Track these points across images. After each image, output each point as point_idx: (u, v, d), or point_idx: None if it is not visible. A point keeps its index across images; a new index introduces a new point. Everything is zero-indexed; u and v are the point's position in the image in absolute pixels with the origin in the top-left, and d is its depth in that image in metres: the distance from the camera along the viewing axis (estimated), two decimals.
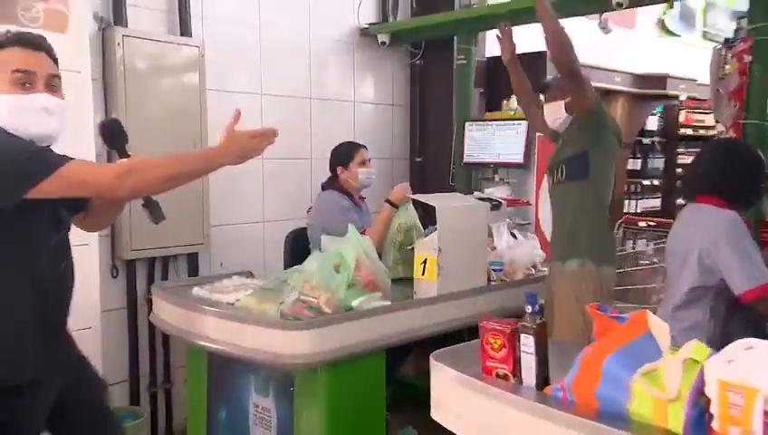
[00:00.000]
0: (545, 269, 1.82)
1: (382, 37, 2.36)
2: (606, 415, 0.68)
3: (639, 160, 4.12)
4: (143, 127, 1.79)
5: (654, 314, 0.76)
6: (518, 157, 2.08)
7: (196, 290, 1.60)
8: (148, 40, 1.86)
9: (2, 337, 0.89)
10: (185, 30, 1.97)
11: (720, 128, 1.89)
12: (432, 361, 0.95)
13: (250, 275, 1.77)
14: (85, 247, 1.54)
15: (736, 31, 1.78)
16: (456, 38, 2.41)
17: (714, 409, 0.56)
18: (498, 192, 2.13)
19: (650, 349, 0.70)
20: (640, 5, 2.37)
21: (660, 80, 3.62)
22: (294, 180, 2.35)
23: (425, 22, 2.38)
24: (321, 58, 2.36)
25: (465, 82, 2.37)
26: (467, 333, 1.48)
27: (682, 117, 4.31)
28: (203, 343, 1.41)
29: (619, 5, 1.82)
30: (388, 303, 1.45)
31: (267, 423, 1.46)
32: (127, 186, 0.92)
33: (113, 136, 1.14)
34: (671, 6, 2.76)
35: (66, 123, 0.98)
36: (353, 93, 2.49)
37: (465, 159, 2.34)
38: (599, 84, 3.17)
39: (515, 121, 2.16)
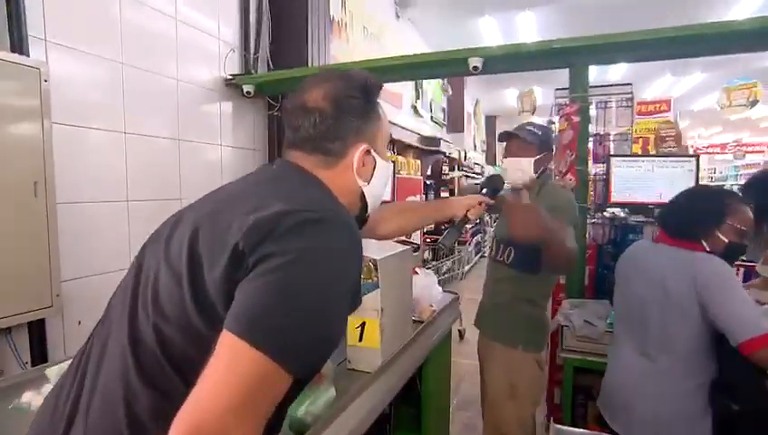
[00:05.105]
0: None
1: (247, 87, 2.71)
2: None
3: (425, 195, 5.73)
4: None
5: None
6: (386, 194, 2.74)
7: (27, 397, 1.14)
8: None
9: None
10: (18, 48, 1.74)
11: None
12: None
13: None
14: None
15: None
16: None
17: None
18: None
19: None
20: None
21: (435, 140, 5.29)
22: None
23: (290, 74, 2.82)
24: (188, 102, 2.48)
25: None
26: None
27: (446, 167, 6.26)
28: None
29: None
30: (334, 393, 1.18)
31: None
32: None
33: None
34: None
35: None
36: (219, 138, 2.71)
37: None
38: (402, 140, 4.43)
39: None
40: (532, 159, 1.59)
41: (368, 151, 0.83)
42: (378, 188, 0.89)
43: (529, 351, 1.68)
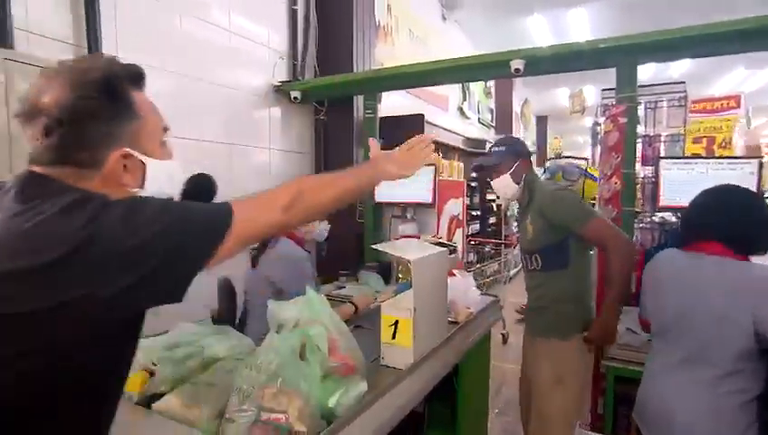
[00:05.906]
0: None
1: (295, 93, 2.86)
2: None
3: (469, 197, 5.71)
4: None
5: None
6: (427, 197, 2.75)
7: None
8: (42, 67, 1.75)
9: None
10: None
11: None
12: None
13: None
14: None
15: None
16: (355, 97, 3.11)
17: None
18: (409, 229, 2.79)
19: None
20: None
21: (481, 142, 5.25)
22: None
23: (335, 80, 2.94)
24: (239, 108, 2.67)
25: (371, 132, 3.03)
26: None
27: None
28: None
29: None
30: (365, 387, 1.21)
31: None
32: (296, 218, 0.82)
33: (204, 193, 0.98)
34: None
35: None
36: (269, 141, 2.88)
37: (377, 199, 2.95)
38: (447, 142, 4.46)
39: (424, 167, 2.88)
40: (509, 174, 1.78)
41: (126, 155, 0.71)
42: (159, 187, 0.77)
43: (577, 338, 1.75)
